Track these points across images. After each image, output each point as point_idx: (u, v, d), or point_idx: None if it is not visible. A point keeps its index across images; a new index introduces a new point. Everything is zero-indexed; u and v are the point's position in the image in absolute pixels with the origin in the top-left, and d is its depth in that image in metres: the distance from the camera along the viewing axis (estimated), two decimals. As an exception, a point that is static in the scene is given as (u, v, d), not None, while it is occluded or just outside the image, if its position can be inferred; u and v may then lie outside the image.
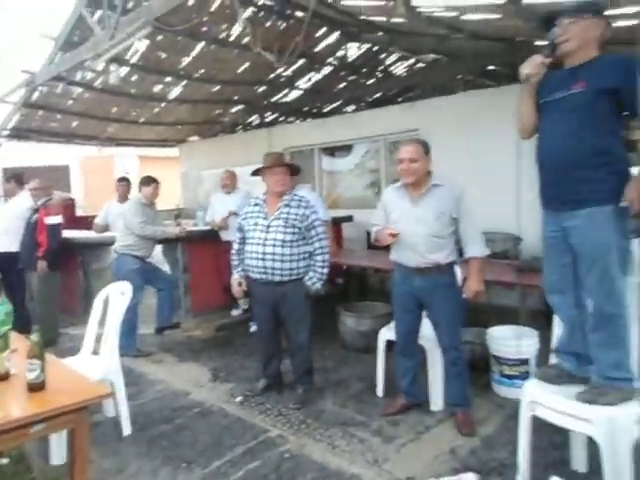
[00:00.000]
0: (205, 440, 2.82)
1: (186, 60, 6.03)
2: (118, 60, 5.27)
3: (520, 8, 3.27)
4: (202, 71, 6.40)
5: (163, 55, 5.79)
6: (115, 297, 3.02)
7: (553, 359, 2.31)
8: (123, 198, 5.29)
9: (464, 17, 4.03)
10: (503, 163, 4.88)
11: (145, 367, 4.02)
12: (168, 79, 6.47)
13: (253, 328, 4.52)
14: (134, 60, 5.74)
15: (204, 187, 9.16)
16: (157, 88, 6.76)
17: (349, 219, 6.34)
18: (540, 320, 3.51)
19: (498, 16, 3.74)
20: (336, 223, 5.90)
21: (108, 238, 4.76)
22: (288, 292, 3.13)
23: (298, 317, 3.18)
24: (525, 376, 2.99)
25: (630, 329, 1.99)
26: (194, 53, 5.87)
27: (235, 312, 5.12)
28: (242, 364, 4.00)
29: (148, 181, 4.39)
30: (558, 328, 2.30)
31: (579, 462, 2.32)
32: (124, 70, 5.86)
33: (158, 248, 4.76)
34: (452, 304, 2.81)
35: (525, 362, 3.11)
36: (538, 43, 4.49)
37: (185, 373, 3.88)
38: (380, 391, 3.30)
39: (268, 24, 5.40)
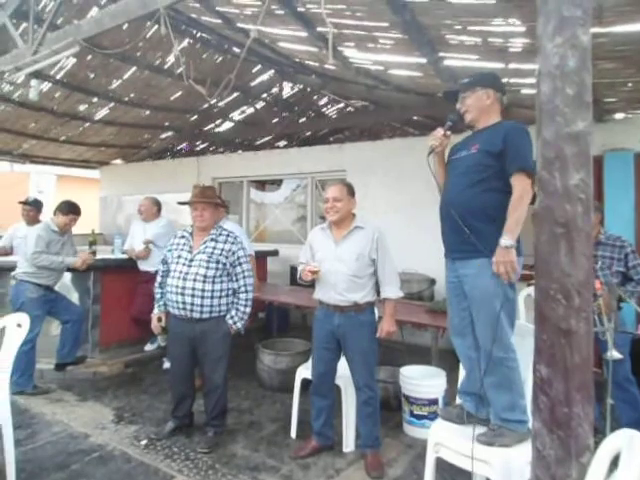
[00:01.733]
0: (102, 488, 2.61)
1: (116, 82, 5.89)
2: (41, 75, 5.03)
3: (438, 69, 3.55)
4: (132, 95, 6.28)
5: (91, 75, 5.62)
6: (11, 329, 2.76)
7: (457, 400, 2.42)
8: (31, 221, 4.90)
9: (390, 72, 4.31)
10: (421, 209, 5.22)
11: (42, 407, 3.68)
12: (95, 99, 6.26)
13: (166, 365, 4.31)
14: (59, 76, 5.52)
15: (125, 213, 8.79)
16: (82, 107, 6.50)
17: (275, 253, 6.34)
18: (450, 360, 3.67)
19: (419, 74, 4.03)
20: (261, 257, 5.88)
21: (7, 263, 4.40)
22: (207, 330, 3.03)
23: (216, 356, 3.07)
24: (434, 416, 3.06)
25: (521, 372, 2.13)
26: (125, 76, 5.77)
27: (149, 347, 4.85)
28: (150, 404, 3.77)
29: (67, 211, 4.05)
30: (462, 369, 2.42)
31: (479, 503, 2.40)
32: (47, 85, 5.60)
33: (67, 276, 4.46)
34: (368, 343, 2.87)
35: (434, 402, 3.20)
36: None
37: (86, 413, 3.59)
38: (294, 432, 3.24)
39: (204, 56, 5.46)
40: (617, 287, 2.49)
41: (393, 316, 2.92)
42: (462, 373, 2.41)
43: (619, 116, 4.44)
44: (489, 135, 2.20)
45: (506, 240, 1.99)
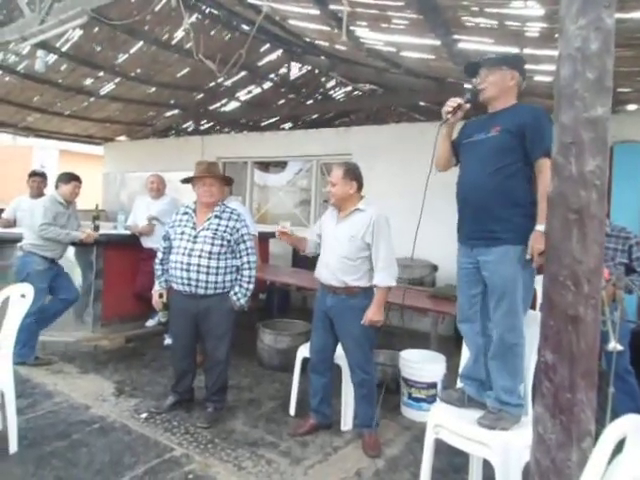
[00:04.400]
0: (103, 458, 2.63)
1: (123, 57, 5.82)
2: (47, 46, 4.97)
3: (452, 52, 3.49)
4: (139, 70, 6.21)
5: (98, 48, 5.55)
6: (15, 300, 2.77)
7: (459, 383, 2.43)
8: (36, 194, 4.89)
9: (402, 53, 4.25)
10: (426, 194, 5.19)
11: (43, 377, 3.71)
12: (101, 74, 6.19)
13: (167, 341, 4.33)
14: (65, 49, 5.44)
15: (128, 190, 8.77)
16: (88, 81, 6.43)
17: (277, 235, 6.32)
18: (449, 346, 3.69)
19: (432, 57, 3.97)
20: (263, 238, 5.86)
21: (11, 235, 4.38)
22: (211, 306, 3.04)
23: (219, 332, 3.09)
24: (432, 399, 3.10)
25: (526, 359, 2.15)
26: (132, 51, 5.69)
27: (150, 323, 4.87)
28: (151, 379, 3.81)
29: (68, 178, 4.07)
30: (465, 355, 2.42)
31: (475, 485, 2.44)
32: (52, 58, 5.53)
33: (70, 250, 4.45)
34: (359, 327, 2.81)
35: (433, 386, 3.22)
36: (466, 85, 4.84)
37: (87, 386, 3.62)
38: (293, 411, 3.27)
39: (213, 32, 5.38)
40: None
41: (380, 305, 2.78)
42: (465, 358, 2.39)
43: (631, 107, 4.39)
44: (511, 117, 2.13)
45: (542, 226, 1.93)
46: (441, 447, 2.23)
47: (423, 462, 2.23)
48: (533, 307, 2.44)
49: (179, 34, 5.38)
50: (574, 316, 1.59)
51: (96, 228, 4.71)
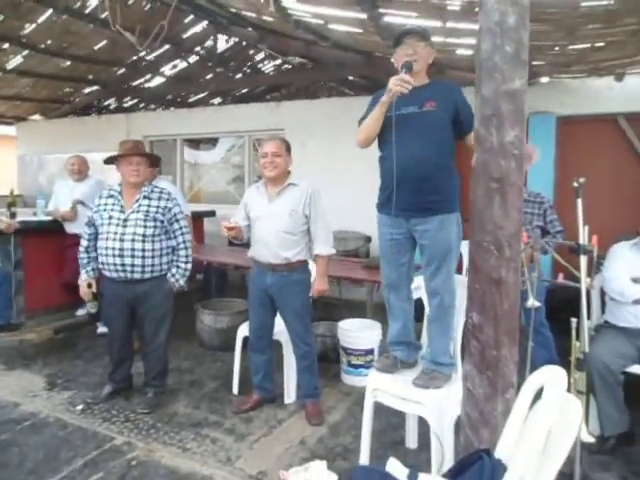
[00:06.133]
0: (36, 456, 2.51)
1: (30, 27, 5.33)
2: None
3: (378, 26, 3.51)
4: (49, 42, 5.72)
5: (0, 17, 5.03)
6: None
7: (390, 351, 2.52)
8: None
9: (330, 26, 4.21)
10: (357, 168, 5.28)
11: (-37, 377, 3.46)
12: (6, 45, 5.64)
13: (101, 329, 4.16)
14: (-39, 18, 4.91)
15: (47, 173, 8.17)
16: (-9, 54, 5.85)
17: (212, 214, 6.18)
18: (384, 313, 3.83)
19: (359, 30, 3.97)
20: (198, 218, 5.72)
21: None
22: (149, 290, 2.95)
23: (159, 316, 3.02)
24: (370, 365, 3.20)
25: (454, 321, 2.29)
26: (40, 20, 5.22)
27: (80, 312, 4.63)
28: (85, 369, 3.65)
29: None
30: (392, 322, 2.44)
31: (411, 440, 2.61)
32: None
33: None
34: (300, 301, 2.89)
35: (370, 352, 3.36)
36: (393, 60, 4.90)
37: (14, 382, 3.41)
38: (236, 389, 3.28)
39: (131, 1, 5.04)
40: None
41: (325, 275, 2.91)
42: (393, 325, 2.42)
43: (544, 80, 4.66)
44: (442, 93, 2.21)
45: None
46: (380, 409, 2.34)
47: (363, 424, 2.33)
48: (459, 271, 2.58)
49: (93, 2, 5.00)
50: (497, 279, 1.70)
51: (12, 215, 4.35)
